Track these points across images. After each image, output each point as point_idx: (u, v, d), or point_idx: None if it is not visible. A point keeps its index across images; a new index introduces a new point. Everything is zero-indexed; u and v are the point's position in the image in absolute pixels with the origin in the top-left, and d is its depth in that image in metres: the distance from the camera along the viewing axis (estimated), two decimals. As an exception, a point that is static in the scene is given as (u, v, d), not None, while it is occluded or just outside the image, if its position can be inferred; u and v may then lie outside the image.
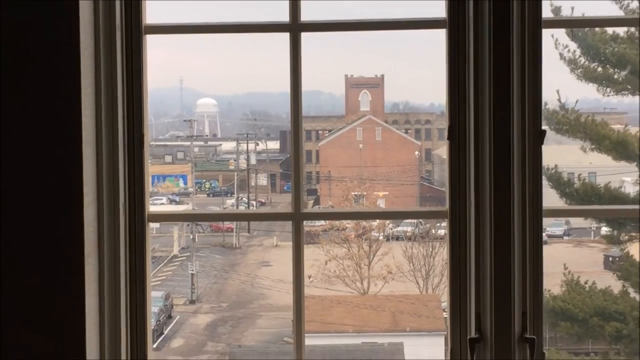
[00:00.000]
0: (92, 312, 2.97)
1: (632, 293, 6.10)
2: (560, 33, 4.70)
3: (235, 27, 3.21)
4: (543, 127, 2.97)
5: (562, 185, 5.58)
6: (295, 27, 3.06)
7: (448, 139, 3.03)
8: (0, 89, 2.88)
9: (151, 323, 3.14)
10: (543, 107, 2.98)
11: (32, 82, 2.89)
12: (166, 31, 3.12)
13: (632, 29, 5.48)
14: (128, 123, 3.06)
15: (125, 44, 3.04)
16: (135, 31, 3.04)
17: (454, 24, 2.99)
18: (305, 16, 3.08)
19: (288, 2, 3.06)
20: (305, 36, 3.06)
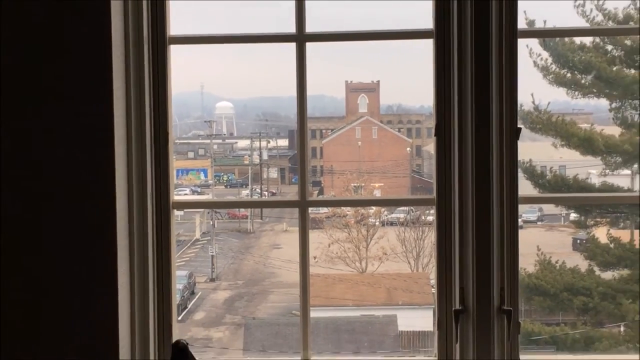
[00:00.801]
0: (124, 289, 2.96)
1: (597, 271, 6.13)
2: (534, 43, 4.73)
3: (248, 37, 3.20)
4: (519, 126, 2.95)
5: (535, 176, 5.59)
6: (300, 38, 3.04)
7: (435, 136, 3.02)
8: (45, 93, 2.88)
9: (176, 298, 3.13)
10: (519, 108, 2.95)
11: (71, 88, 2.88)
12: (187, 42, 3.11)
13: (597, 39, 5.49)
14: (154, 123, 3.05)
15: (152, 53, 3.03)
16: (160, 42, 3.03)
17: (440, 35, 2.98)
18: (310, 20, 3.05)
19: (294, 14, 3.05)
20: (309, 46, 3.05)
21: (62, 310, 2.91)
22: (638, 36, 2.94)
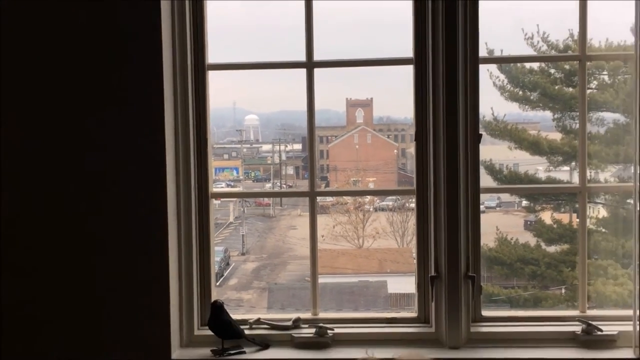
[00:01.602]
0: (173, 261, 2.98)
1: (543, 246, 6.15)
2: (493, 67, 4.73)
3: (269, 64, 3.20)
4: (480, 132, 2.95)
5: (494, 172, 5.58)
6: (310, 65, 3.04)
7: (415, 140, 3.03)
8: (108, 109, 2.89)
9: (214, 268, 3.14)
10: (481, 119, 2.95)
11: (132, 107, 2.89)
12: (221, 68, 3.11)
13: (543, 65, 5.51)
14: (197, 131, 3.06)
15: (194, 77, 3.04)
16: (200, 68, 3.04)
17: (418, 61, 2.99)
18: (317, 51, 3.05)
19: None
20: (317, 70, 3.06)
21: (127, 276, 2.93)
22: (575, 62, 2.97)
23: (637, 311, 2.79)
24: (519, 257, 6.27)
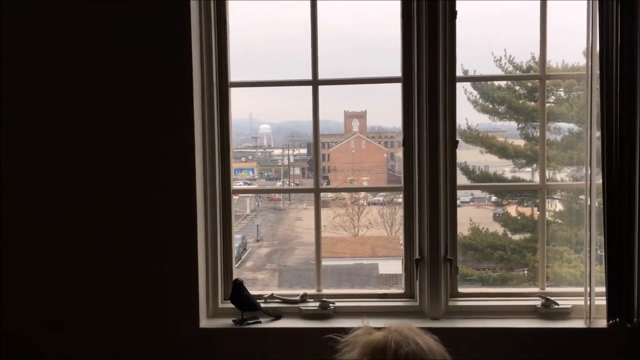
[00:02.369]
0: (201, 246, 2.99)
1: (509, 234, 6.17)
2: (468, 85, 4.74)
3: (280, 82, 3.20)
4: (457, 139, 2.96)
5: (468, 172, 5.59)
6: (315, 83, 3.05)
7: (403, 146, 3.03)
8: (148, 119, 2.89)
9: (234, 252, 3.15)
10: (457, 128, 2.96)
11: (175, 117, 2.90)
12: (242, 85, 3.12)
13: (509, 83, 5.53)
14: (221, 138, 3.07)
15: (219, 93, 3.05)
16: (224, 85, 3.05)
17: (405, 80, 2.99)
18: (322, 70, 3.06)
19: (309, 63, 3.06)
20: (322, 87, 3.07)
21: (163, 259, 2.94)
22: (536, 80, 3.00)
23: (588, 288, 2.81)
24: (489, 244, 6.29)
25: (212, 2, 2.98)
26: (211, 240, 3.03)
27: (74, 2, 2.86)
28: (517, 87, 5.81)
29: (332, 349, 1.55)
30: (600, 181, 2.74)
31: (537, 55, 3.04)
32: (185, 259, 2.91)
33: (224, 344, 2.91)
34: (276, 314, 3.03)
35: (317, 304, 3.03)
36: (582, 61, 2.86)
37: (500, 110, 5.94)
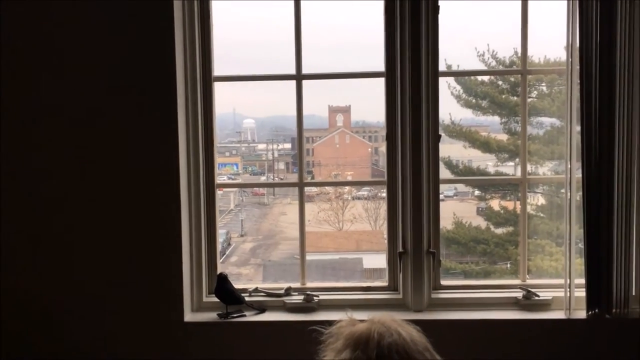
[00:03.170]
0: (186, 242, 2.99)
1: (492, 228, 6.21)
2: (451, 80, 4.74)
3: (265, 77, 3.20)
4: (440, 133, 2.98)
5: (452, 167, 5.61)
6: (299, 77, 3.07)
7: (386, 140, 3.05)
8: (132, 114, 2.89)
9: (219, 247, 3.16)
10: (440, 122, 2.98)
11: (159, 112, 2.90)
12: (225, 80, 3.13)
13: (492, 77, 5.57)
14: (204, 132, 3.07)
15: (202, 88, 3.05)
16: (207, 80, 3.06)
17: (389, 75, 3.01)
18: (305, 65, 3.06)
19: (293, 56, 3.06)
20: (305, 82, 3.08)
21: (147, 254, 2.95)
22: (518, 75, 3.01)
23: (568, 280, 2.85)
24: (472, 238, 6.34)
25: (195, -4, 2.98)
26: (195, 235, 3.04)
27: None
28: (500, 82, 5.86)
29: (316, 341, 1.57)
30: (580, 175, 2.78)
31: (519, 50, 3.08)
32: (169, 253, 2.92)
33: (208, 337, 2.93)
34: (260, 308, 3.05)
35: (302, 297, 3.05)
36: (563, 56, 2.89)
37: (483, 105, 5.98)
